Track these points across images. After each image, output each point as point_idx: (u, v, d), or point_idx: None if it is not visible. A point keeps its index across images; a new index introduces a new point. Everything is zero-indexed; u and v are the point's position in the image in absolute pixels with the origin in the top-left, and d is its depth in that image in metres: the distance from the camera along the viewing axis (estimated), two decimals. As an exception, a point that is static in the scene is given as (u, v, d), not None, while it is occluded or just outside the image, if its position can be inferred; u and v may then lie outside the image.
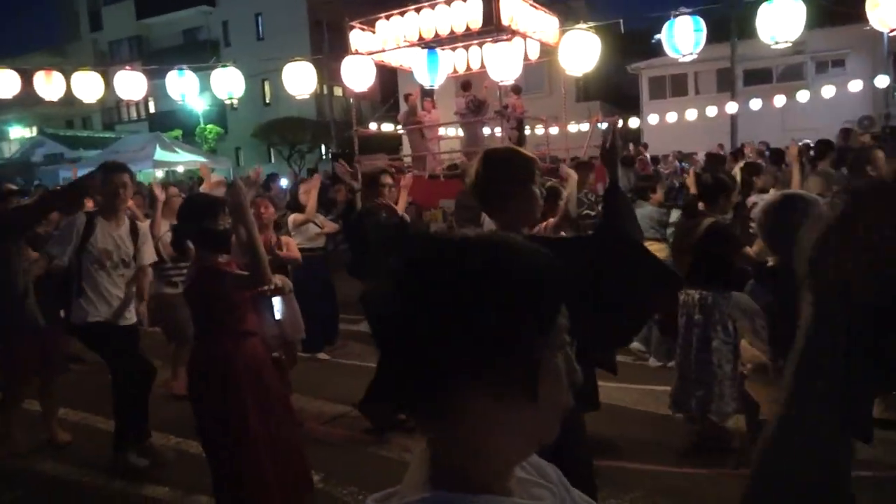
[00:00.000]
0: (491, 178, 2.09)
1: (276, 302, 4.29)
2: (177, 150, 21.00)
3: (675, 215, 5.56)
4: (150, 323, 4.94)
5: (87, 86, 6.76)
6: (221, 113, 29.78)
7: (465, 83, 10.69)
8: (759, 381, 2.14)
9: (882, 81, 17.66)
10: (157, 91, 13.04)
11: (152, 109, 32.19)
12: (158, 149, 19.69)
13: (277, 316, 4.33)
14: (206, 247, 2.90)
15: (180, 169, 21.23)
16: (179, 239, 3.04)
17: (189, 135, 27.68)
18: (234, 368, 2.84)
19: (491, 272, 0.68)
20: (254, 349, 2.97)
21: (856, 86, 17.36)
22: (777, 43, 5.02)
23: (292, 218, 5.88)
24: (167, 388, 5.15)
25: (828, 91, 17.68)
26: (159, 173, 20.36)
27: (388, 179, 4.44)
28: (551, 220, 3.84)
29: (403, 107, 11.25)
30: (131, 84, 7.12)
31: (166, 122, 28.63)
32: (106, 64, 31.95)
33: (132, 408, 3.91)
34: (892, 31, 4.72)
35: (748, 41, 16.53)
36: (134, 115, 33.99)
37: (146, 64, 27.41)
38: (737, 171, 8.70)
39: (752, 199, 5.48)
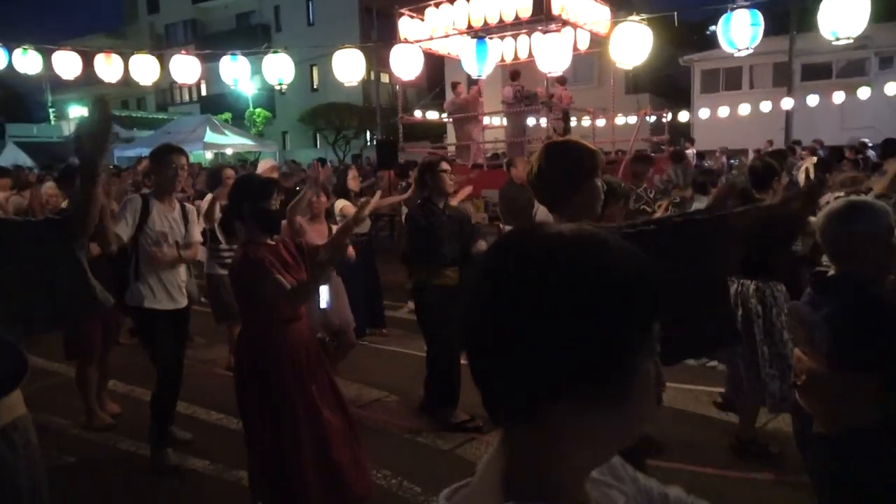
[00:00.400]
0: (554, 170, 2.08)
1: (324, 291, 4.30)
2: (226, 132, 21.45)
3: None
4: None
5: (144, 68, 6.96)
6: (270, 97, 30.24)
7: (514, 73, 10.61)
8: (814, 394, 2.05)
9: (950, 79, 16.89)
10: (209, 74, 13.34)
11: (204, 92, 32.92)
12: (209, 131, 20.16)
13: (323, 305, 4.35)
14: (258, 227, 2.93)
15: (229, 151, 21.69)
16: (230, 219, 3.08)
17: (238, 118, 28.23)
18: (278, 353, 2.88)
19: (593, 274, 0.65)
20: (299, 333, 3.01)
21: (922, 83, 16.65)
22: (838, 39, 4.83)
23: (342, 207, 5.88)
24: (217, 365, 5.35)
25: (891, 88, 16.97)
26: (209, 155, 20.85)
27: (446, 166, 4.40)
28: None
29: (450, 95, 11.22)
30: (186, 68, 7.30)
31: (217, 104, 29.23)
32: (162, 47, 32.76)
33: (170, 403, 3.92)
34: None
35: (807, 34, 15.93)
36: (186, 97, 34.82)
37: (200, 47, 27.99)
38: (809, 166, 8.47)
39: (826, 197, 5.34)
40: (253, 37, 29.76)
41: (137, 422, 4.18)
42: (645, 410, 0.70)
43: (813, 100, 18.07)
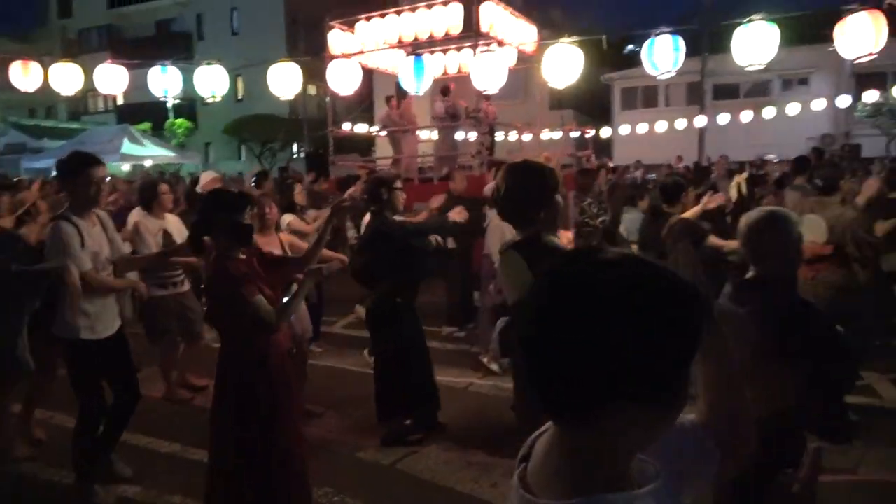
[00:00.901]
0: (518, 190, 2.19)
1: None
2: (145, 143, 20.63)
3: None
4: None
5: (65, 77, 6.62)
6: (192, 107, 29.33)
7: (445, 88, 10.76)
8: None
9: (844, 101, 18.28)
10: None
11: (120, 101, 31.57)
12: (127, 142, 19.33)
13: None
14: (233, 240, 2.88)
15: (148, 163, 20.87)
16: (198, 233, 2.98)
17: (158, 128, 27.20)
18: (264, 364, 2.87)
19: (658, 293, 0.74)
20: (281, 344, 3.01)
21: (819, 104, 17.92)
22: (751, 65, 5.21)
23: (289, 221, 5.66)
24: (169, 392, 5.17)
25: (792, 108, 18.22)
26: (126, 167, 19.98)
27: (400, 183, 4.42)
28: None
29: (383, 108, 11.26)
30: (111, 77, 7.01)
31: (135, 114, 28.06)
32: (74, 52, 31.21)
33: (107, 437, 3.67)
34: (857, 58, 4.94)
35: (718, 56, 16.93)
36: (101, 106, 33.28)
37: (116, 54, 26.83)
38: (741, 182, 8.98)
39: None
40: (174, 45, 28.83)
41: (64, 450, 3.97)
42: (685, 402, 0.79)
43: (724, 118, 19.17)
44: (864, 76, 20.05)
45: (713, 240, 4.12)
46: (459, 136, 12.13)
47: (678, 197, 4.58)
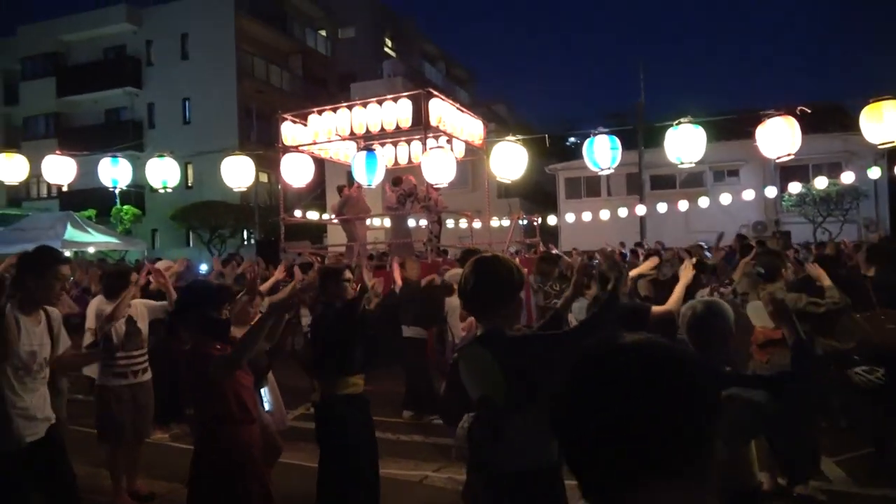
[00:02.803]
0: (483, 285, 2.25)
1: (265, 392, 4.21)
2: (89, 230, 20.16)
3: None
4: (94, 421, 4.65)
5: (11, 167, 6.55)
6: (139, 194, 29.05)
7: (397, 178, 11.05)
8: None
9: (771, 192, 19.48)
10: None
11: (65, 188, 30.96)
12: (70, 228, 18.84)
13: (267, 407, 4.25)
14: (208, 335, 2.82)
15: (91, 250, 20.34)
16: (174, 324, 2.95)
17: (104, 215, 26.70)
18: (249, 455, 2.80)
19: (683, 378, 0.80)
20: (254, 435, 2.94)
21: (749, 194, 19.03)
22: (682, 163, 5.62)
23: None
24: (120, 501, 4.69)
25: (725, 198, 19.29)
26: (67, 253, 19.42)
27: (349, 275, 4.38)
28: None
29: (336, 197, 11.44)
30: (60, 168, 6.97)
31: (80, 201, 27.54)
32: (19, 139, 30.81)
33: None
34: (778, 158, 5.36)
35: (654, 149, 17.97)
36: (44, 192, 32.59)
37: (63, 142, 26.62)
38: (689, 265, 9.31)
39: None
40: (124, 133, 28.79)
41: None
42: (714, 477, 0.83)
43: (662, 207, 20.12)
44: (788, 169, 21.53)
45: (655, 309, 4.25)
46: (412, 223, 12.40)
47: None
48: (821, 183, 18.31)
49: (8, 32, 34.26)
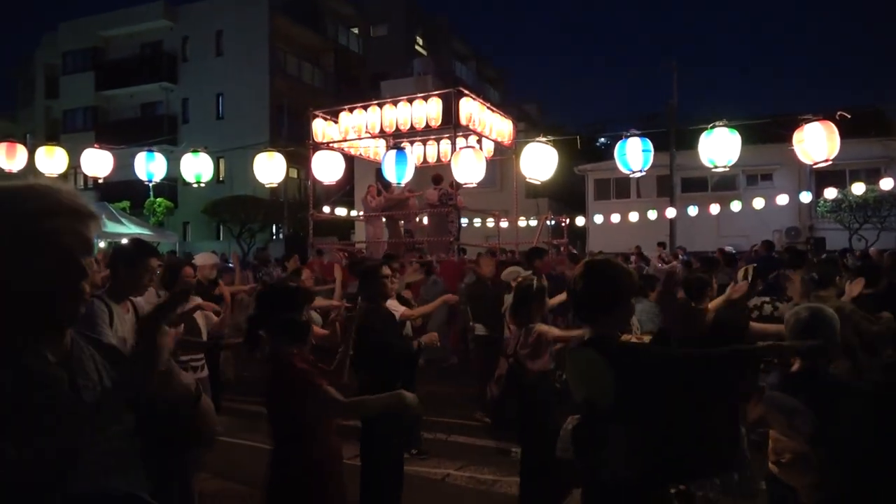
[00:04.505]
0: (595, 288, 2.24)
1: None
2: (124, 221, 20.62)
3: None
4: None
5: (51, 159, 6.72)
6: (172, 187, 29.56)
7: (437, 177, 11.02)
8: (798, 470, 2.43)
9: (806, 197, 19.08)
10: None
11: (101, 180, 31.61)
12: (106, 220, 19.30)
13: None
14: (288, 338, 2.75)
15: (126, 241, 20.81)
16: (255, 328, 2.83)
17: (138, 207, 27.25)
18: (337, 467, 2.74)
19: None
20: (337, 447, 2.87)
21: (783, 199, 18.67)
22: (716, 167, 5.52)
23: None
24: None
25: (758, 202, 18.95)
26: (103, 244, 19.86)
27: (387, 271, 4.35)
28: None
29: (393, 189, 11.55)
30: (98, 161, 7.13)
31: (115, 192, 28.15)
32: (58, 132, 31.58)
33: None
34: (814, 163, 5.24)
35: (686, 151, 17.72)
36: (82, 184, 33.36)
37: (100, 135, 27.19)
38: (749, 270, 9.15)
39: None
40: (158, 127, 29.32)
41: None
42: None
43: (693, 210, 19.82)
44: (823, 174, 21.05)
45: (755, 326, 4.26)
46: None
47: (704, 292, 4.62)
48: (858, 189, 17.88)
49: (50, 28, 35.12)
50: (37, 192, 1.18)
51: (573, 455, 2.23)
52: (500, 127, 11.08)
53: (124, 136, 24.83)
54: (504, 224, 14.83)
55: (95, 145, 7.42)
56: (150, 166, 7.28)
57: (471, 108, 9.93)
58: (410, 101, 9.80)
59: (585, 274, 2.27)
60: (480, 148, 10.78)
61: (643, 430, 1.98)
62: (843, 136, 5.18)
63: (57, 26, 33.82)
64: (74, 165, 7.46)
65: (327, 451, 2.75)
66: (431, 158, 12.41)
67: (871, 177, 20.06)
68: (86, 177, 32.26)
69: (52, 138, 25.38)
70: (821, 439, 2.31)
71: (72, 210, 1.18)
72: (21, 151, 6.47)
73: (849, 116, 5.45)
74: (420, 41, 36.85)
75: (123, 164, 9.37)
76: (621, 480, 2.06)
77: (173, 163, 8.88)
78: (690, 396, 2.08)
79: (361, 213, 12.36)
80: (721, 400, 2.15)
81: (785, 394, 2.48)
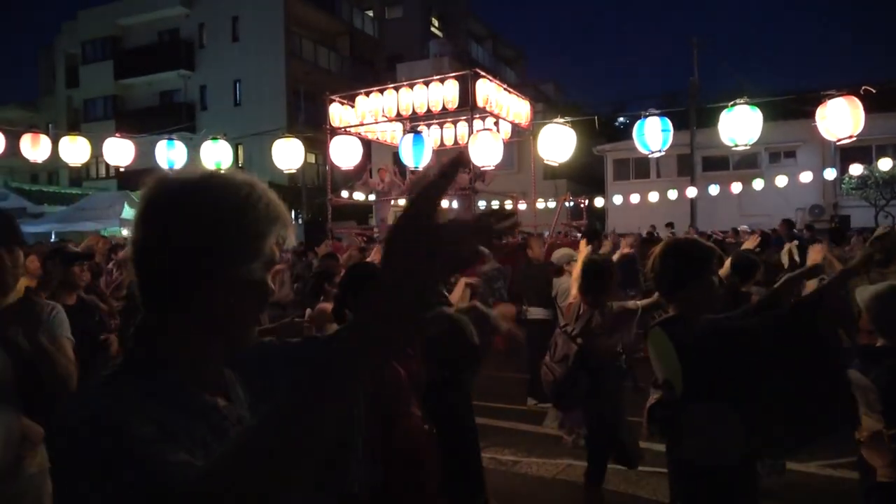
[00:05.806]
0: (673, 266, 2.23)
1: None
2: (145, 209, 20.87)
3: None
4: None
5: (74, 149, 6.81)
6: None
7: (466, 159, 10.99)
8: (876, 448, 2.37)
9: (830, 174, 18.73)
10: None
11: (122, 168, 31.92)
12: (127, 207, 19.53)
13: None
14: None
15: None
16: (341, 307, 2.82)
17: (158, 194, 27.58)
18: (418, 449, 2.69)
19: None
20: (421, 429, 2.80)
21: (806, 176, 18.34)
22: (736, 145, 5.42)
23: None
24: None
25: (781, 180, 18.64)
26: (125, 232, 20.13)
27: None
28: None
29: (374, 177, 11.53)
30: (119, 150, 7.22)
31: (137, 180, 28.36)
32: (79, 121, 31.93)
33: None
34: (838, 140, 5.13)
35: (706, 130, 17.45)
36: (103, 172, 33.76)
37: (120, 123, 27.47)
38: (793, 249, 9.03)
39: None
40: (177, 115, 29.52)
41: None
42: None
43: (714, 189, 19.56)
44: (848, 150, 20.63)
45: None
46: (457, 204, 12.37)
47: (752, 274, 4.42)
48: (885, 165, 17.50)
49: (70, 17, 35.41)
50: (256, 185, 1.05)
51: (650, 433, 2.22)
52: (517, 108, 11.00)
53: (144, 124, 25.06)
54: (522, 206, 14.77)
55: (117, 134, 7.51)
56: (170, 154, 7.36)
57: (487, 90, 9.86)
58: (427, 83, 9.76)
59: (664, 252, 2.27)
60: (498, 130, 10.73)
61: (723, 412, 1.93)
62: (868, 110, 5.06)
63: (76, 15, 34.05)
64: (96, 154, 7.55)
65: (412, 428, 2.66)
66: (448, 141, 12.37)
67: (898, 152, 19.64)
68: (107, 165, 32.74)
69: (73, 127, 25.71)
70: (892, 418, 2.26)
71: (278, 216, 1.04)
72: (45, 141, 6.58)
73: (874, 91, 5.32)
74: (435, 22, 36.56)
75: (143, 152, 9.47)
76: (704, 464, 2.02)
77: (192, 150, 8.95)
78: (776, 363, 2.03)
79: (372, 196, 12.36)
80: (811, 358, 2.09)
81: (862, 371, 2.43)
